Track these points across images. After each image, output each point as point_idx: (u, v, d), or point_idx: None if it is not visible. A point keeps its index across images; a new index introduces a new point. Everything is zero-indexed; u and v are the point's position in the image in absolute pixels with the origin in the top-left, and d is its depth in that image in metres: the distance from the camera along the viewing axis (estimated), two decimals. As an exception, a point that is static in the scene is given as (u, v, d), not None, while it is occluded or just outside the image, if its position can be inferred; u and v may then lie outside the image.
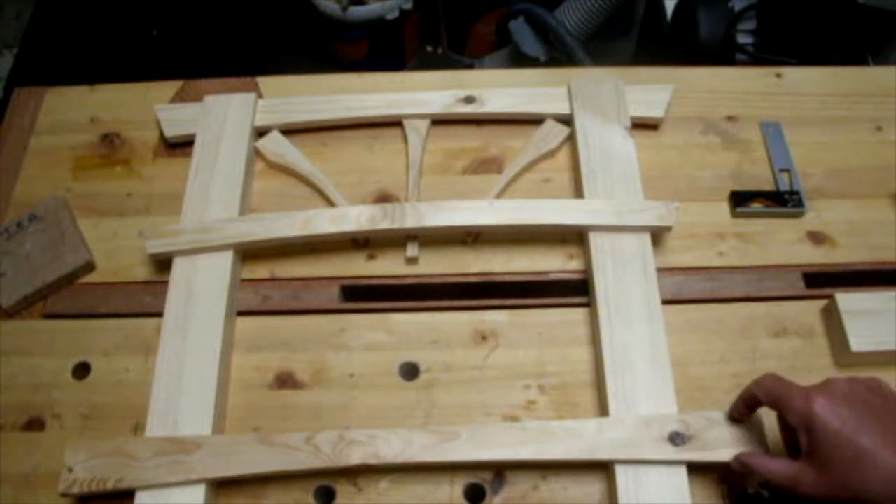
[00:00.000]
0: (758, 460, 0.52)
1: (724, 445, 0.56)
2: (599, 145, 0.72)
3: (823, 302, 0.65)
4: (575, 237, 0.69)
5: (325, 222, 0.67)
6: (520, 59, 1.53)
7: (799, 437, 0.49)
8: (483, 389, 0.62)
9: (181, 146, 0.76)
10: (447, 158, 0.75)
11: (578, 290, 0.67)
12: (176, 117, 0.76)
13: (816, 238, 0.69)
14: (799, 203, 0.70)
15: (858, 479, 0.45)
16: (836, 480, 0.46)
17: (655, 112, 0.75)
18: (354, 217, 0.67)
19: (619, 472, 0.56)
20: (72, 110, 0.80)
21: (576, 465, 0.58)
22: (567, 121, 0.75)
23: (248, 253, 0.70)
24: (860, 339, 0.61)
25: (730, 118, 0.77)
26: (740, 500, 0.56)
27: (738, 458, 0.54)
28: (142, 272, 0.69)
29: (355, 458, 0.56)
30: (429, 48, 1.76)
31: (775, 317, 0.65)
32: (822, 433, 0.47)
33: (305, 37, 1.70)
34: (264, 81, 0.80)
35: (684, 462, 0.56)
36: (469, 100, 0.76)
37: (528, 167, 0.74)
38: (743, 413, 0.56)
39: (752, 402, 0.54)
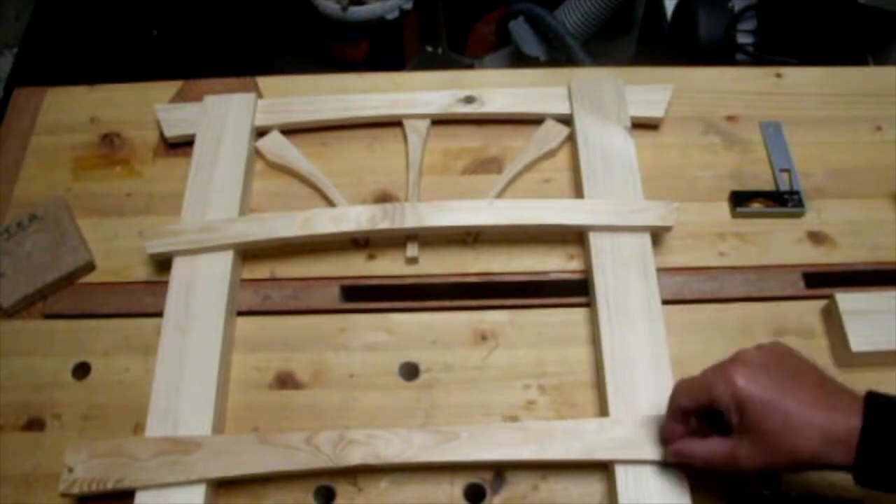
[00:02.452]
0: (693, 446, 0.51)
1: (724, 445, 0.56)
2: (599, 145, 0.72)
3: (823, 302, 0.65)
4: (575, 237, 0.69)
5: (325, 222, 0.67)
6: (520, 59, 1.53)
7: (729, 418, 0.49)
8: (483, 389, 0.62)
9: (181, 146, 0.76)
10: (447, 158, 0.75)
11: (578, 290, 0.67)
12: (176, 117, 0.76)
13: (816, 238, 0.69)
14: (799, 203, 0.70)
15: (792, 440, 0.46)
16: (772, 447, 0.47)
17: (655, 112, 0.75)
18: (354, 217, 0.67)
19: (619, 472, 0.56)
20: (72, 110, 0.80)
21: (576, 465, 0.58)
22: (567, 121, 0.75)
23: (248, 253, 0.70)
24: (860, 339, 0.61)
25: (730, 118, 0.77)
26: (740, 501, 0.56)
27: (673, 450, 0.53)
28: (142, 272, 0.69)
29: (355, 458, 0.56)
30: (429, 48, 1.76)
31: (775, 317, 0.65)
32: (750, 405, 0.47)
33: (305, 37, 1.70)
34: (264, 81, 0.80)
35: (684, 462, 0.56)
36: (469, 100, 0.76)
37: (528, 167, 0.74)
38: (680, 432, 0.53)
39: (681, 412, 0.52)
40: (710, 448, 0.50)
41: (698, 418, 0.53)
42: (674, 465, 0.55)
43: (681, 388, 0.52)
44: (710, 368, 0.51)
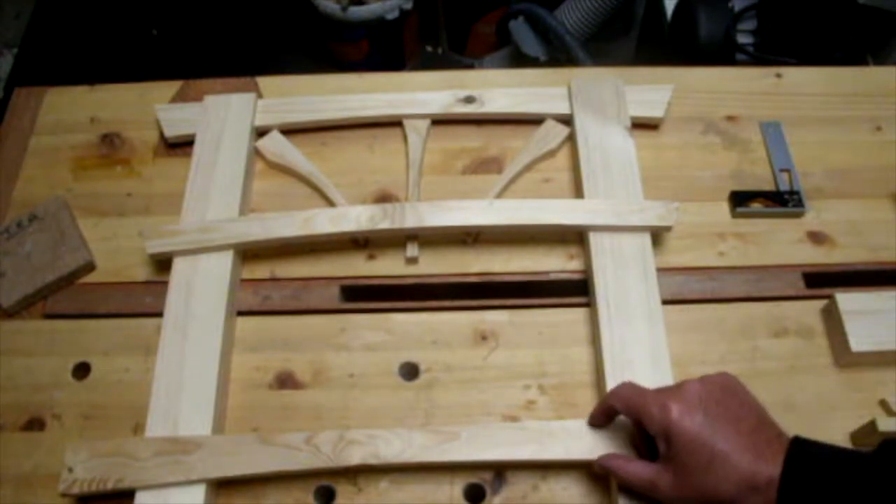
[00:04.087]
0: (618, 463, 0.53)
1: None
2: (599, 145, 0.72)
3: (823, 302, 0.65)
4: (575, 237, 0.70)
5: (325, 222, 0.67)
6: (520, 59, 1.54)
7: (657, 444, 0.50)
8: (483, 389, 0.62)
9: (181, 146, 0.76)
10: (447, 158, 0.75)
11: (578, 290, 0.67)
12: (176, 117, 0.76)
13: (816, 238, 0.69)
14: (799, 203, 0.70)
15: (713, 481, 0.47)
16: (692, 483, 0.48)
17: (655, 112, 0.75)
18: (354, 217, 0.67)
19: (619, 472, 0.56)
20: (72, 110, 0.80)
21: (576, 465, 0.58)
22: (567, 121, 0.75)
23: (248, 253, 0.70)
24: (860, 339, 0.61)
25: (730, 118, 0.77)
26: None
27: (599, 462, 0.54)
28: (142, 272, 0.69)
29: (355, 458, 0.56)
30: (429, 48, 1.76)
31: (775, 317, 0.65)
32: (679, 439, 0.48)
33: (305, 37, 1.70)
34: (264, 81, 0.80)
35: (684, 462, 0.56)
36: (469, 100, 0.76)
37: (528, 167, 0.74)
38: (602, 422, 0.56)
39: (611, 411, 0.55)
40: (634, 470, 0.52)
41: (639, 433, 0.54)
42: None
43: (621, 392, 0.53)
44: (655, 390, 0.52)
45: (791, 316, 0.65)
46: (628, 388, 0.53)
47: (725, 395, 0.50)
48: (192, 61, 1.57)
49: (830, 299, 0.64)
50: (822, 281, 0.67)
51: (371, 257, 0.69)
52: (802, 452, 0.47)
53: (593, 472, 0.57)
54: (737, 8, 1.21)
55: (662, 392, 0.51)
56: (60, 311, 0.68)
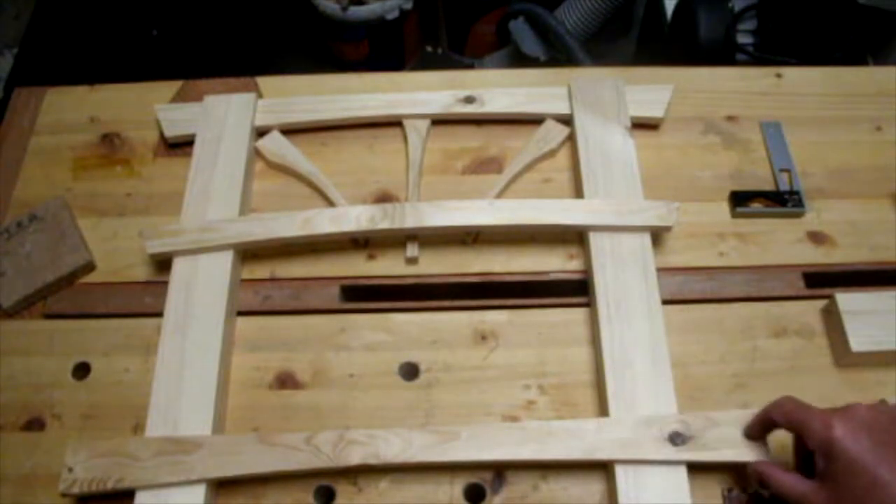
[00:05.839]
0: (773, 471, 0.52)
1: (723, 445, 0.56)
2: (599, 145, 0.72)
3: (823, 302, 0.65)
4: (575, 237, 0.70)
5: (325, 222, 0.67)
6: (520, 59, 1.54)
7: (816, 460, 0.49)
8: (483, 389, 0.62)
9: (181, 146, 0.76)
10: (447, 158, 0.75)
11: (578, 290, 0.67)
12: (176, 117, 0.76)
13: (816, 238, 0.69)
14: (799, 203, 0.70)
15: None
16: None
17: (655, 112, 0.75)
18: (354, 217, 0.67)
19: (619, 472, 0.56)
20: (72, 110, 0.80)
21: (576, 465, 0.58)
22: (567, 121, 0.75)
23: (248, 253, 0.70)
24: (860, 339, 0.61)
25: (730, 118, 0.77)
26: (739, 500, 0.56)
27: (755, 466, 0.54)
28: (142, 272, 0.69)
29: (355, 458, 0.56)
30: (429, 48, 1.76)
31: (775, 317, 0.65)
32: (840, 459, 0.47)
33: (305, 37, 1.70)
34: (264, 81, 0.80)
35: (684, 462, 0.56)
36: (469, 100, 0.76)
37: (528, 167, 0.74)
38: (758, 434, 0.55)
39: (770, 424, 0.54)
40: (789, 482, 0.50)
41: (797, 447, 0.53)
42: (675, 464, 0.55)
43: (782, 404, 0.52)
44: (823, 409, 0.50)
45: (791, 316, 0.65)
46: (791, 402, 0.52)
47: (893, 424, 0.48)
48: (192, 61, 1.56)
49: (830, 299, 0.64)
50: (822, 281, 0.67)
51: (371, 257, 0.69)
52: None
53: (599, 469, 0.57)
54: (737, 8, 1.21)
55: (828, 410, 0.50)
56: (60, 311, 0.68)
